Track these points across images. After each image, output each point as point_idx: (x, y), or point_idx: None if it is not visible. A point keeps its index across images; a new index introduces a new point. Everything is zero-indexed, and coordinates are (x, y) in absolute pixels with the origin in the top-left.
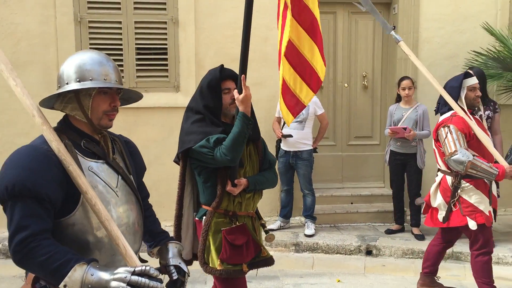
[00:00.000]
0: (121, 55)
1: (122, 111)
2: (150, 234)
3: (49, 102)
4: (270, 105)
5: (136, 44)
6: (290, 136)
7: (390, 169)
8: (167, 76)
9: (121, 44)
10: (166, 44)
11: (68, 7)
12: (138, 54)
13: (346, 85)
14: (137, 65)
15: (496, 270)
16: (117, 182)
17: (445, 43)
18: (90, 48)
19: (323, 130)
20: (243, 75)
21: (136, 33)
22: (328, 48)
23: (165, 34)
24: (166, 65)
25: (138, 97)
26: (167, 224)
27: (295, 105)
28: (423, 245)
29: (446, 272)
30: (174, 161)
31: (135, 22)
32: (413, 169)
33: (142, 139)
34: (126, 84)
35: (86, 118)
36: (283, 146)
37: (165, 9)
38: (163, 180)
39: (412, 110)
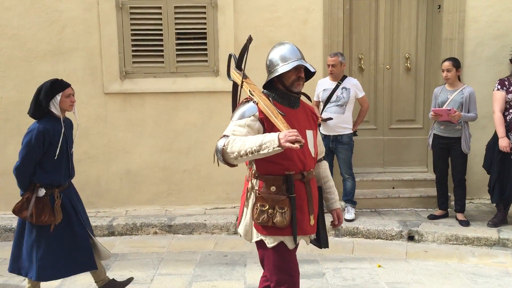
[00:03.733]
0: (161, 40)
1: (162, 96)
2: None
3: None
4: (310, 89)
5: (176, 29)
6: (331, 119)
7: (433, 153)
8: (206, 61)
9: (161, 30)
10: (205, 29)
11: None
12: (178, 39)
13: (388, 67)
14: (177, 50)
15: None
16: None
17: (494, 22)
18: (132, 33)
19: (363, 113)
20: None
21: (176, 18)
22: (370, 29)
23: (204, 18)
24: (206, 49)
25: None
26: (208, 207)
27: None
28: (468, 232)
29: (492, 259)
30: None
31: (175, 7)
32: (458, 153)
33: (182, 123)
34: (166, 69)
35: None
36: (323, 130)
37: None
38: (203, 164)
39: (458, 92)
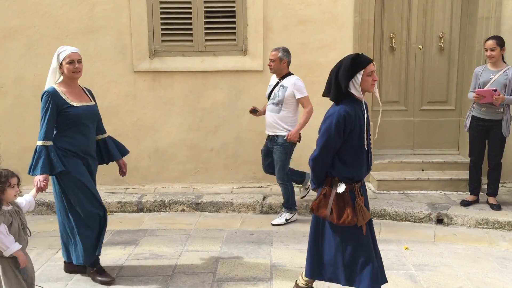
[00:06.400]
0: (190, 18)
1: (191, 75)
2: None
3: None
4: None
5: (205, 7)
6: (256, 111)
7: (471, 136)
8: (235, 40)
9: (190, 8)
10: (234, 7)
11: None
12: (206, 17)
13: (420, 46)
14: (206, 28)
15: None
16: None
17: None
18: (161, 12)
19: (304, 116)
20: None
21: None
22: (402, 7)
23: None
24: (234, 28)
25: None
26: (235, 186)
27: None
28: (499, 216)
29: None
30: None
31: None
32: (497, 136)
33: (210, 102)
34: (195, 47)
35: None
36: (266, 129)
37: None
38: (231, 143)
39: (502, 73)
